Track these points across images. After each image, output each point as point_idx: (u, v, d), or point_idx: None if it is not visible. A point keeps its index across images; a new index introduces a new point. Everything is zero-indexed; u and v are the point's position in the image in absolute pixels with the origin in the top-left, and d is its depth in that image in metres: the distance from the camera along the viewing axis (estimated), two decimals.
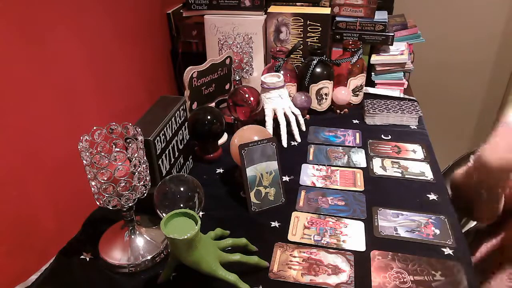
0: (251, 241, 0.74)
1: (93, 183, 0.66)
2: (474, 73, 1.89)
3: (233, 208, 0.87)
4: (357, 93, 1.25)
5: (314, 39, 1.26)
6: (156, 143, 0.80)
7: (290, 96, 1.14)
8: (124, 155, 0.65)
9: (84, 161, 0.64)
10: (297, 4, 1.30)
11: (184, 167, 0.96)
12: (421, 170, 0.97)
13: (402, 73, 1.32)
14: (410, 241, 0.77)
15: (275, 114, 1.07)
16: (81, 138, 0.64)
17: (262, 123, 1.05)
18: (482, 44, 1.82)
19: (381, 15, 1.31)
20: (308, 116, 1.21)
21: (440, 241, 0.77)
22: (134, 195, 0.69)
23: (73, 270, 0.73)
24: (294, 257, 0.74)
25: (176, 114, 0.89)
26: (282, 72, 1.13)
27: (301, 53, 1.29)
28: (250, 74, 1.21)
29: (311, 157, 1.03)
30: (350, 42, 1.21)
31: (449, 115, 1.99)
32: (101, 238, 0.78)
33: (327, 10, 1.25)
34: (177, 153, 0.91)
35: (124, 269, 0.73)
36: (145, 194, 0.71)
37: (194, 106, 1.05)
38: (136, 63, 1.13)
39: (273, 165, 0.87)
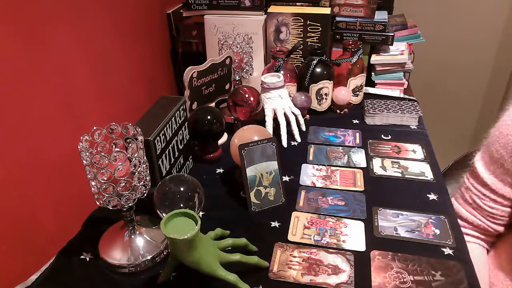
0: (251, 241, 0.74)
1: (93, 183, 0.66)
2: (474, 73, 1.89)
3: (233, 208, 0.87)
4: (357, 93, 1.25)
5: (314, 39, 1.26)
6: (156, 143, 0.80)
7: (290, 96, 1.14)
8: (124, 155, 0.65)
9: (84, 161, 0.64)
10: (297, 4, 1.30)
11: (184, 167, 0.96)
12: (421, 170, 0.97)
13: (402, 73, 1.32)
14: (410, 241, 0.77)
15: (275, 114, 1.07)
16: (81, 138, 0.64)
17: (262, 123, 1.05)
18: (482, 44, 1.82)
19: (381, 15, 1.31)
20: (308, 116, 1.21)
21: (440, 241, 0.77)
22: (134, 195, 0.69)
23: (73, 270, 0.73)
24: (294, 257, 0.74)
25: (176, 114, 0.89)
26: (282, 72, 1.13)
27: (301, 53, 1.29)
28: (250, 74, 1.20)
29: (311, 157, 1.03)
30: (350, 42, 1.21)
31: (449, 115, 1.99)
32: (101, 238, 0.77)
33: (327, 10, 1.25)
34: (177, 153, 0.91)
35: (124, 269, 0.73)
36: (145, 194, 0.71)
37: (194, 106, 1.05)
38: (136, 63, 1.13)
39: (273, 165, 0.87)
